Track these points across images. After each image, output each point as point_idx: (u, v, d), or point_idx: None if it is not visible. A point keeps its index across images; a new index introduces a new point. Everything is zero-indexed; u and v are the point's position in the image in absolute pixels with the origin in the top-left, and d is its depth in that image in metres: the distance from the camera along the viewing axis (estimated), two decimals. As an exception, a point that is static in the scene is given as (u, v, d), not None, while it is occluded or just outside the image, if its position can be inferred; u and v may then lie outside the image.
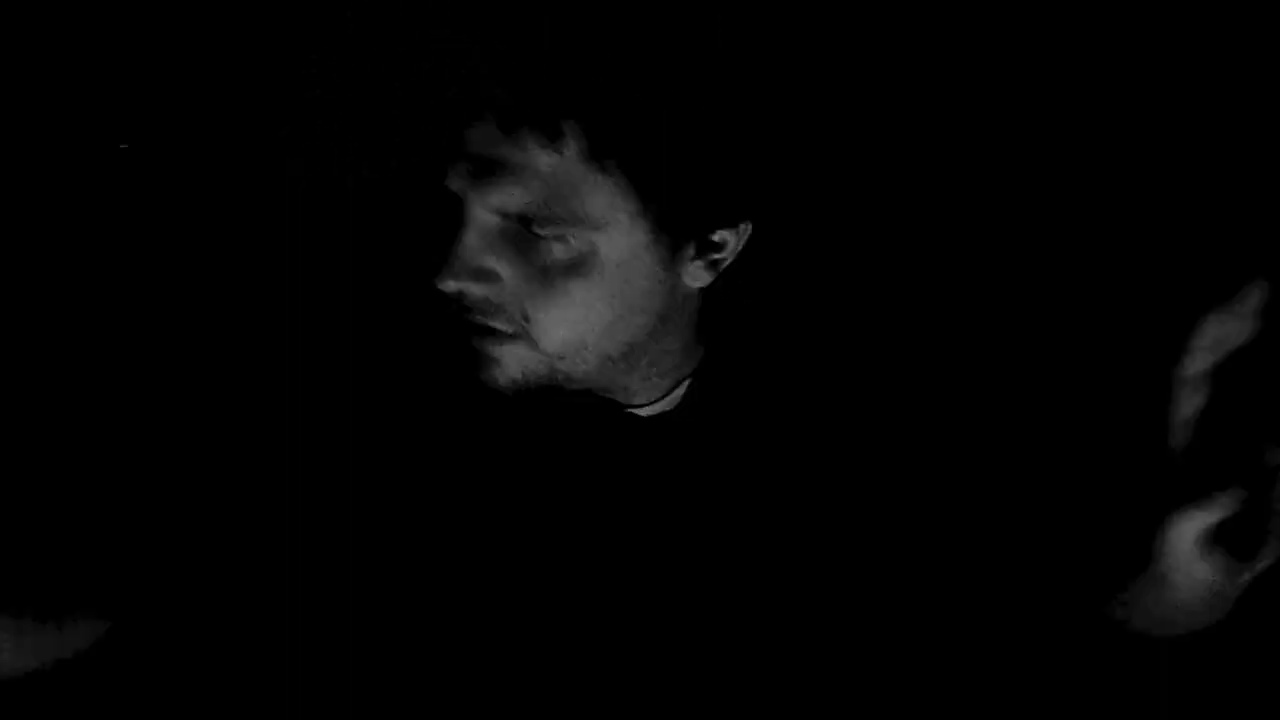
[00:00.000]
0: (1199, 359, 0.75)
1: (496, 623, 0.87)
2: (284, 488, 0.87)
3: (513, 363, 0.82)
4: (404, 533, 0.87)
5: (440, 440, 0.88)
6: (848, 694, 0.90)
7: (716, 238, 0.83)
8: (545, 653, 0.87)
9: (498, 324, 0.82)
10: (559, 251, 0.80)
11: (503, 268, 0.81)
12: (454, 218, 0.82)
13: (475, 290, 0.81)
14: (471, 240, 0.81)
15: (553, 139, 0.77)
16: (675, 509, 0.88)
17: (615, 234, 0.80)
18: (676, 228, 0.81)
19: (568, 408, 0.87)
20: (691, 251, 0.83)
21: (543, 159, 0.78)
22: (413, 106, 1.13)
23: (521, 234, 0.80)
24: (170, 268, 1.14)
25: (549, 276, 0.80)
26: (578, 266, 0.80)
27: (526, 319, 0.81)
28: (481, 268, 0.81)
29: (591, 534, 0.87)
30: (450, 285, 0.81)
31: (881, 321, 1.05)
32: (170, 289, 1.14)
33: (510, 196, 0.79)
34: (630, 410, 0.89)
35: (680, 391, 0.89)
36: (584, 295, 0.81)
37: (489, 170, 0.79)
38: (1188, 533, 0.74)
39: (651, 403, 0.89)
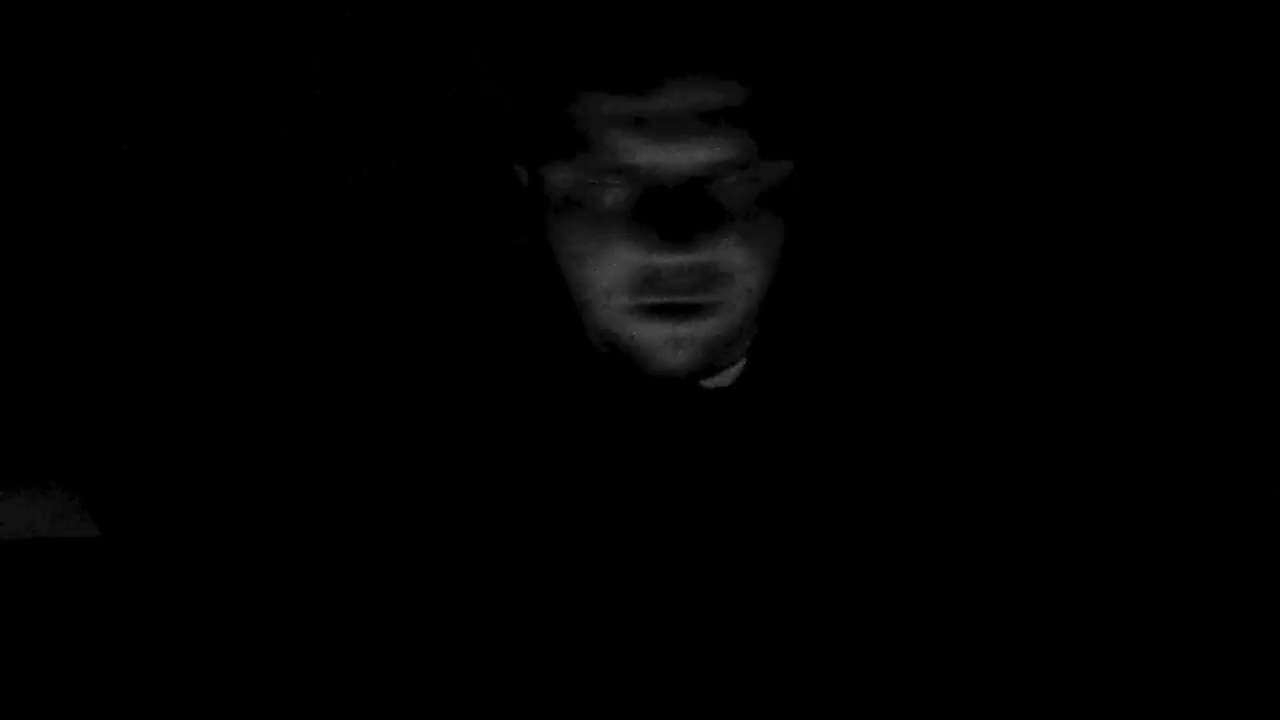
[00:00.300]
0: None
1: (542, 594, 0.86)
2: (285, 485, 0.87)
3: (702, 340, 0.79)
4: (406, 530, 0.87)
5: (438, 437, 0.88)
6: (898, 670, 0.89)
7: None
8: (592, 624, 0.86)
9: (693, 297, 0.78)
10: (749, 191, 0.77)
11: (701, 227, 0.76)
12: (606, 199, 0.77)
13: (684, 262, 0.76)
14: (678, 208, 0.75)
15: (755, 73, 0.74)
16: (729, 482, 0.87)
17: (787, 161, 0.78)
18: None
19: (635, 380, 0.85)
20: None
21: (751, 95, 0.75)
22: (413, 106, 1.13)
23: (715, 187, 0.77)
24: (170, 268, 1.14)
25: (739, 222, 0.77)
26: (765, 203, 0.78)
27: (717, 278, 0.77)
28: (688, 235, 0.76)
29: (643, 504, 0.86)
30: (686, 262, 0.76)
31: (931, 308, 1.05)
32: (170, 288, 1.13)
33: (727, 145, 0.75)
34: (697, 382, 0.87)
35: (736, 370, 0.89)
36: (771, 232, 0.78)
37: (702, 124, 0.74)
38: None
39: (719, 372, 0.87)
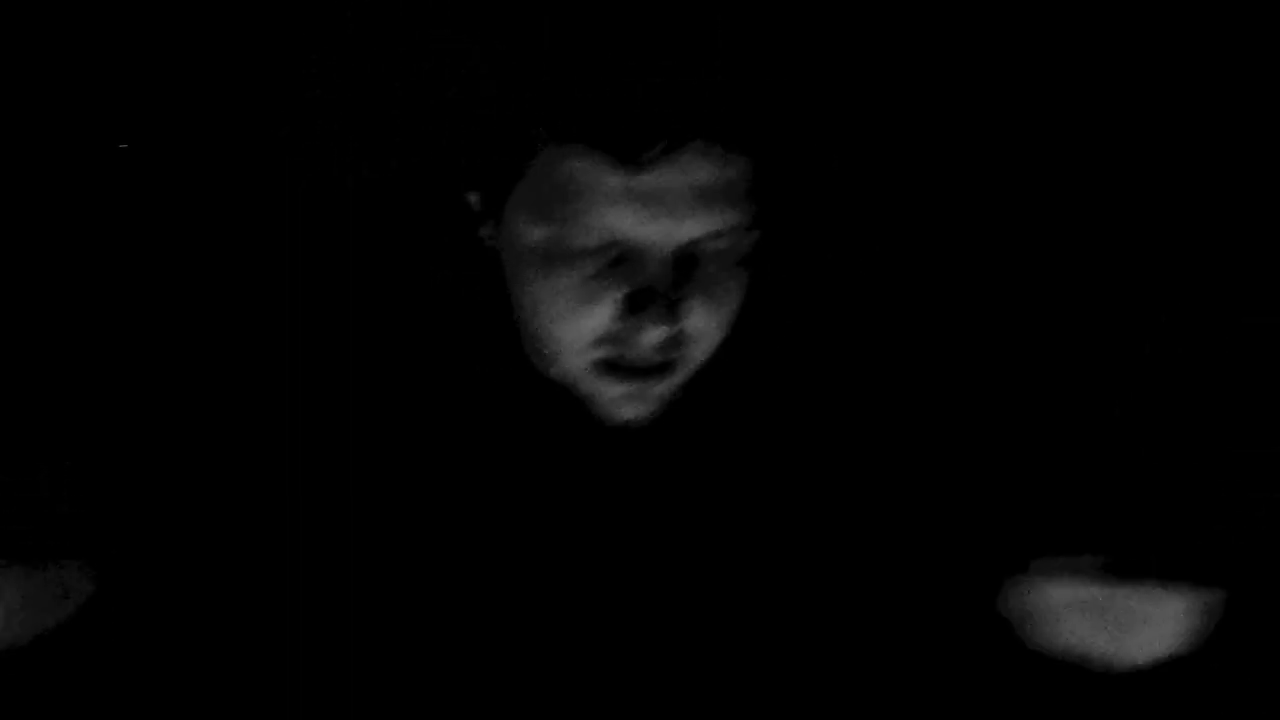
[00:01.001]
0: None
1: (542, 594, 0.86)
2: (283, 485, 0.87)
3: (659, 395, 0.79)
4: (404, 531, 0.87)
5: (438, 438, 0.88)
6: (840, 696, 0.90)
7: None
8: (586, 626, 0.86)
9: (660, 356, 0.78)
10: (723, 256, 0.76)
11: (680, 299, 0.76)
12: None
13: (663, 334, 0.76)
14: (661, 281, 0.75)
15: (750, 143, 0.74)
16: (656, 514, 0.87)
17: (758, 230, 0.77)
18: None
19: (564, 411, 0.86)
20: None
21: (744, 170, 0.74)
22: (413, 106, 1.13)
23: (692, 252, 0.76)
24: (170, 268, 1.14)
25: (710, 284, 0.76)
26: (738, 264, 0.77)
27: (683, 340, 0.77)
28: (670, 309, 0.75)
29: (581, 534, 0.87)
30: (662, 334, 0.75)
31: (910, 312, 1.05)
32: (170, 289, 1.14)
33: (714, 218, 0.74)
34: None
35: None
36: (736, 292, 0.78)
37: (695, 199, 0.73)
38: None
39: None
